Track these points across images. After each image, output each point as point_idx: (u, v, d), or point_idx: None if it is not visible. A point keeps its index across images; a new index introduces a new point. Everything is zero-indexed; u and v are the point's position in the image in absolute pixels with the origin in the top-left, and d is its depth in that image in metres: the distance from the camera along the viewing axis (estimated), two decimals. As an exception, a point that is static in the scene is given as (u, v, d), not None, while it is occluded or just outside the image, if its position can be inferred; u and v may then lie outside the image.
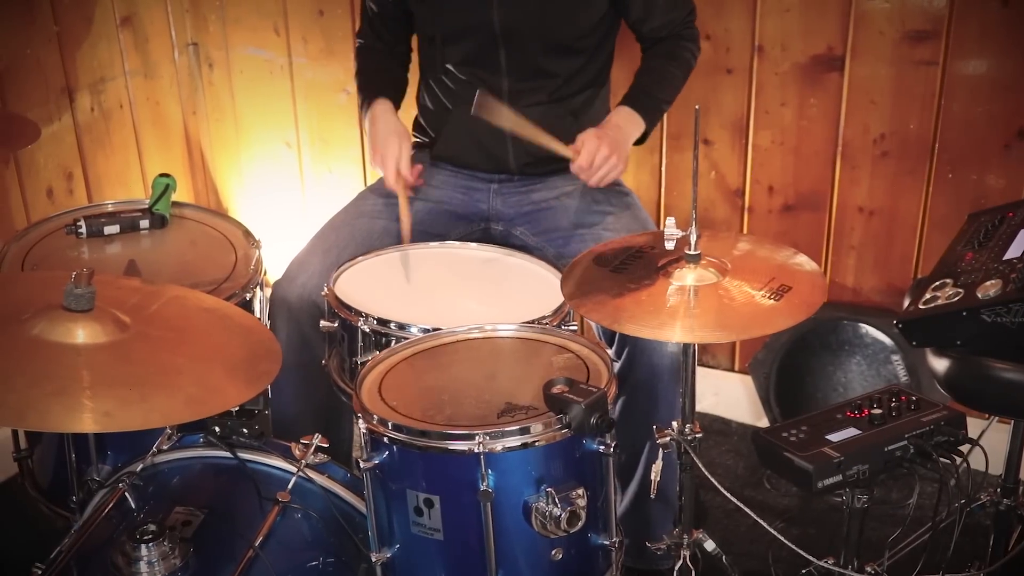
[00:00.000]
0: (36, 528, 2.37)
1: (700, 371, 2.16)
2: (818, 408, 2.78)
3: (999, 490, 2.20)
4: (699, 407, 2.09)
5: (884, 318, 2.78)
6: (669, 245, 1.86)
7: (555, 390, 1.64)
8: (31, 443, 2.30)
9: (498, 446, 1.61)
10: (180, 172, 3.13)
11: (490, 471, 1.61)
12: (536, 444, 1.64)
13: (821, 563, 1.92)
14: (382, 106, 2.47)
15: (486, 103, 2.25)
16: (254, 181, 3.45)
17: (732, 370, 3.09)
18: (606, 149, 2.30)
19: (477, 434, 1.60)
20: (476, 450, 1.60)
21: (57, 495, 2.20)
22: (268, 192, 3.44)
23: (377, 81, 2.55)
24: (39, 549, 2.34)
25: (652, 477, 2.01)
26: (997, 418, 2.22)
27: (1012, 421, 2.18)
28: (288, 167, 3.38)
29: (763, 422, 3.03)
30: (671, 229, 1.85)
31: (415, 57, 2.63)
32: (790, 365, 2.87)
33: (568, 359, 1.82)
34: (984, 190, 2.63)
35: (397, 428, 1.66)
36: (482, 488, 1.61)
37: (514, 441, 1.62)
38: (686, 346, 1.90)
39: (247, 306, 2.19)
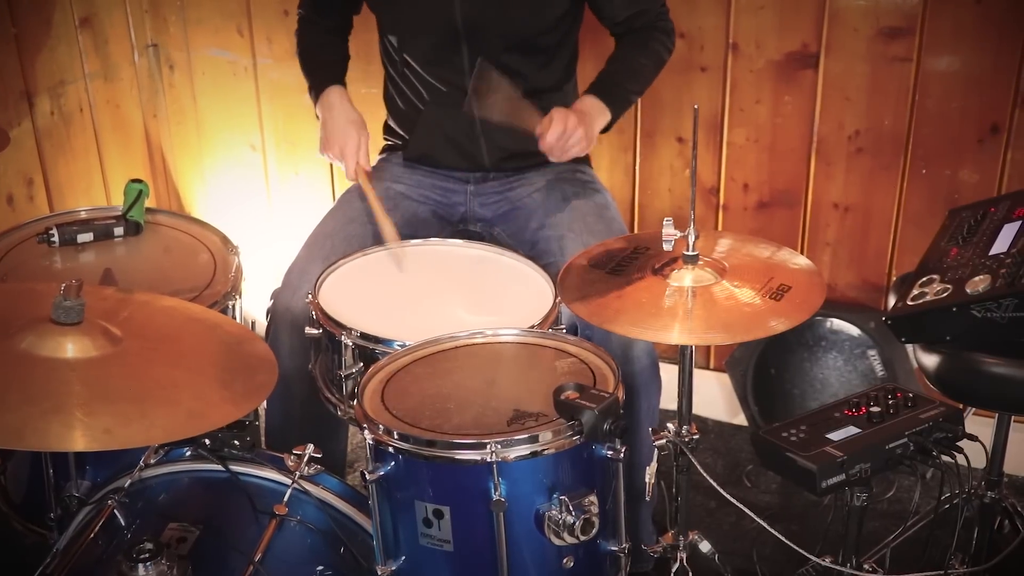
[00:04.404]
0: (7, 545, 2.30)
1: (670, 368, 2.14)
2: (796, 405, 2.84)
3: (983, 483, 2.23)
4: (672, 405, 2.09)
5: (859, 313, 2.79)
6: (667, 246, 1.84)
7: (565, 396, 1.62)
8: (3, 457, 2.23)
9: (510, 455, 1.59)
10: (142, 176, 3.04)
11: (502, 480, 1.59)
12: (547, 452, 1.62)
13: (819, 561, 1.92)
14: (337, 93, 2.44)
15: (488, 73, 2.24)
16: (218, 185, 3.39)
17: (707, 368, 3.10)
18: (574, 118, 2.26)
19: (488, 443, 1.58)
20: (488, 459, 1.57)
21: (32, 511, 2.14)
22: (233, 196, 3.37)
23: (325, 63, 2.51)
24: (12, 568, 2.28)
25: (647, 480, 2.01)
26: (973, 410, 2.25)
27: (996, 415, 2.20)
28: (253, 170, 3.32)
29: (739, 420, 3.04)
30: (668, 230, 1.83)
31: (383, 54, 2.58)
32: (767, 362, 2.88)
33: (572, 363, 1.79)
34: (958, 185, 2.65)
35: (403, 438, 1.63)
36: (495, 498, 1.58)
37: (526, 449, 1.60)
38: (683, 348, 1.89)
39: (227, 314, 2.14)
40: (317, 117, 2.47)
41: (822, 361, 2.83)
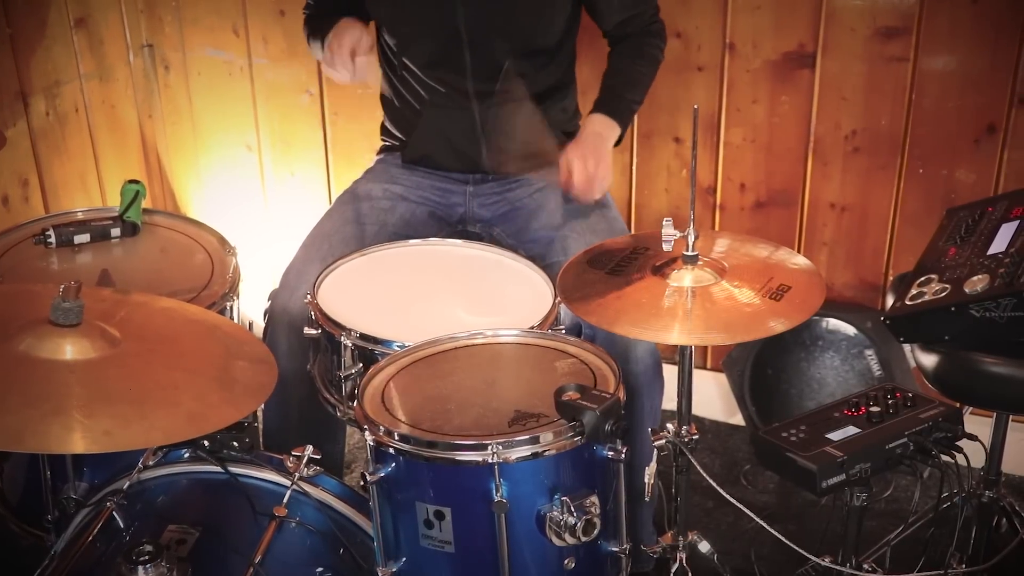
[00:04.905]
0: (3, 547, 2.29)
1: (671, 369, 2.15)
2: (793, 405, 2.84)
3: (981, 483, 2.23)
4: (670, 405, 2.10)
5: (856, 313, 2.79)
6: (667, 246, 1.84)
7: (567, 397, 1.61)
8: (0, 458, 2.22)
9: (511, 455, 1.59)
10: (137, 177, 3.04)
11: (503, 481, 1.59)
12: (548, 453, 1.61)
13: (819, 561, 1.92)
14: (349, 18, 2.37)
15: None
16: (214, 185, 3.38)
17: (705, 368, 3.09)
18: (592, 160, 2.30)
19: (490, 444, 1.58)
20: (490, 460, 1.57)
21: (29, 513, 2.13)
22: (229, 197, 3.36)
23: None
24: (9, 571, 2.27)
25: (646, 480, 2.01)
26: (970, 409, 2.25)
27: (994, 414, 2.20)
28: (249, 171, 3.31)
29: (736, 419, 3.04)
30: (668, 230, 1.83)
31: (381, 56, 2.58)
32: (764, 362, 2.88)
33: (572, 364, 1.79)
34: (954, 185, 2.66)
35: (404, 439, 1.63)
36: (496, 499, 1.58)
37: (527, 450, 1.60)
38: (683, 348, 1.89)
39: (225, 315, 2.13)
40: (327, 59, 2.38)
41: (819, 361, 2.83)
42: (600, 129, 2.37)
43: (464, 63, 2.38)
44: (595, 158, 2.30)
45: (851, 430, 1.81)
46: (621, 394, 1.69)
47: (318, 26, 2.48)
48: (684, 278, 1.82)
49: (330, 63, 2.34)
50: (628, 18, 2.44)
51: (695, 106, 1.78)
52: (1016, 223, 2.03)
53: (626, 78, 2.45)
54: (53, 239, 2.24)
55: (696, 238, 1.82)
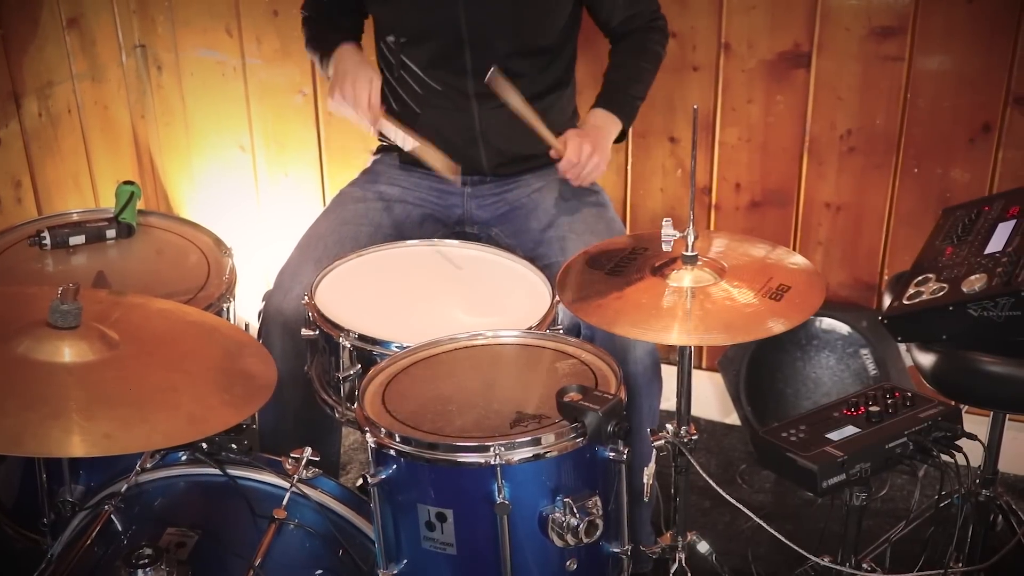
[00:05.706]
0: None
1: (667, 369, 2.15)
2: (789, 405, 2.84)
3: (978, 481, 2.23)
4: (665, 405, 2.10)
5: (852, 312, 2.80)
6: (666, 247, 1.84)
7: (569, 398, 1.61)
8: (-6, 461, 2.21)
9: (513, 457, 1.58)
10: (130, 178, 3.03)
11: (505, 482, 1.58)
12: (550, 454, 1.61)
13: (819, 560, 1.92)
14: (349, 47, 2.39)
15: (498, 80, 2.20)
16: (207, 186, 3.36)
17: (700, 368, 3.09)
18: (589, 146, 2.29)
19: (492, 445, 1.57)
20: (492, 462, 1.57)
21: (24, 516, 2.12)
22: (222, 197, 3.35)
23: (335, 35, 2.45)
24: (4, 574, 2.26)
25: (645, 480, 2.01)
26: (966, 408, 2.25)
27: (991, 413, 2.21)
28: (242, 171, 3.30)
29: (732, 419, 3.04)
30: (668, 230, 1.83)
31: (379, 56, 2.57)
32: (760, 361, 2.88)
33: (573, 365, 1.79)
34: (949, 184, 2.66)
35: (405, 440, 1.62)
36: (499, 501, 1.58)
37: (529, 452, 1.60)
38: (682, 349, 1.89)
39: (222, 316, 2.12)
40: (328, 77, 2.40)
41: (815, 360, 2.83)
42: (600, 123, 2.37)
43: (464, 64, 2.37)
44: (592, 144, 2.29)
45: (851, 430, 1.81)
46: (623, 395, 1.69)
47: (318, 36, 2.48)
48: (683, 278, 1.82)
49: (338, 107, 2.34)
50: (631, 15, 2.44)
51: (695, 106, 1.78)
52: (1013, 222, 2.03)
53: (628, 73, 2.44)
54: (48, 241, 2.23)
55: (695, 238, 1.82)
